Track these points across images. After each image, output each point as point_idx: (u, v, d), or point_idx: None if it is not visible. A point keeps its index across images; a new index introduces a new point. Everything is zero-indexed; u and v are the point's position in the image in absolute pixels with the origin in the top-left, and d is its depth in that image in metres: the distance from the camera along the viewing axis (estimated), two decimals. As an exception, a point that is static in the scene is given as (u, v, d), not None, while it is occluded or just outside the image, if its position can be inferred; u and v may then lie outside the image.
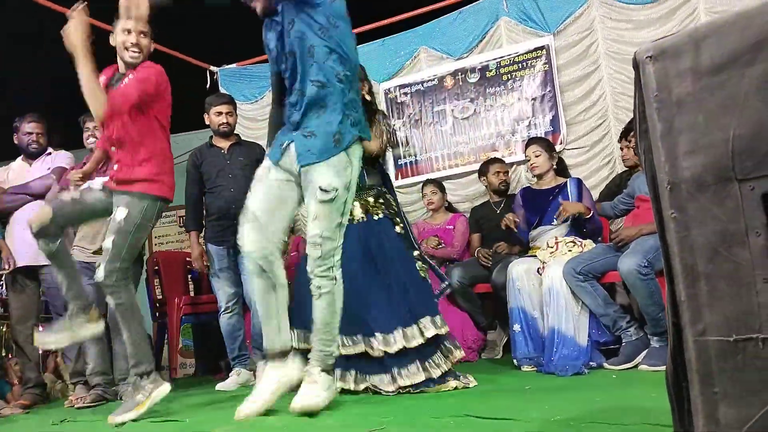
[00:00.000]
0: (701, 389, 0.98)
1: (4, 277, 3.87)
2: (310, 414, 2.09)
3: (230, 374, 3.54)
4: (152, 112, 2.65)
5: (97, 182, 2.76)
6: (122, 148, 2.64)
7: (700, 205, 0.98)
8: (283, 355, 2.27)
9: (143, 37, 2.65)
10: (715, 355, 0.97)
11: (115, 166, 2.66)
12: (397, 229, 2.84)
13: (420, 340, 2.60)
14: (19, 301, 3.59)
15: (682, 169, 1.00)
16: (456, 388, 2.57)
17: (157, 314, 4.37)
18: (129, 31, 2.62)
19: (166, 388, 2.55)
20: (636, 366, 2.71)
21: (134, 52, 2.63)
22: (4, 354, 4.21)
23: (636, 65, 1.08)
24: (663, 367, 2.49)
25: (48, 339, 2.65)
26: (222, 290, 3.56)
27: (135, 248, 2.62)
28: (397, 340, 2.60)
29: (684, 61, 1.02)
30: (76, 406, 3.28)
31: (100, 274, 2.51)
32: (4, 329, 4.28)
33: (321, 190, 2.14)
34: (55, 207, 2.58)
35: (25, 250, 3.50)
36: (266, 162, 2.32)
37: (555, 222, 3.19)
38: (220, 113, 3.70)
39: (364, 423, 2.03)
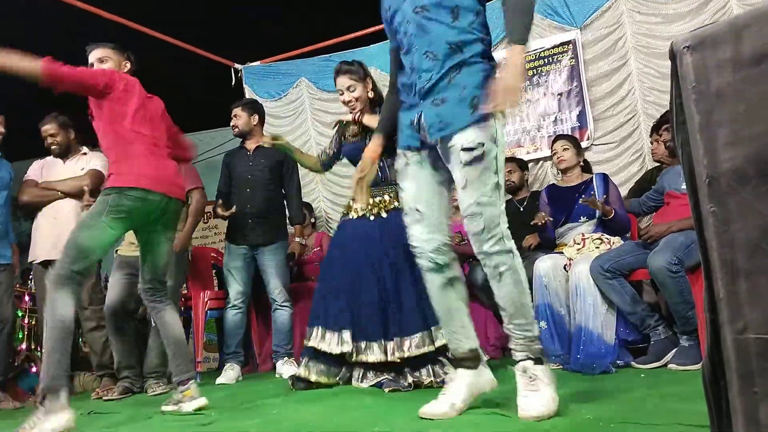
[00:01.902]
0: (741, 389, 0.95)
1: (32, 271, 3.95)
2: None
3: (224, 369, 3.67)
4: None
5: None
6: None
7: (740, 199, 0.95)
8: (474, 357, 2.02)
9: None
10: (755, 354, 0.94)
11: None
12: None
13: (432, 347, 2.65)
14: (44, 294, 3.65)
15: (722, 161, 0.97)
16: None
17: (182, 309, 4.42)
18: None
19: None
20: (665, 365, 2.66)
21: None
22: (33, 347, 4.29)
23: (673, 56, 1.05)
24: (693, 366, 2.48)
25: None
26: (233, 287, 3.69)
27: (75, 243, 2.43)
28: (412, 345, 2.66)
29: (724, 51, 0.99)
30: (103, 398, 3.33)
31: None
32: (33, 322, 4.36)
33: (463, 150, 1.86)
34: None
35: (49, 244, 3.58)
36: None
37: (581, 200, 3.13)
38: (235, 116, 3.84)
39: (385, 417, 2.03)
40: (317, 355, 2.82)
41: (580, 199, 3.17)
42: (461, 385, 1.98)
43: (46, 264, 3.58)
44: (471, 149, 1.85)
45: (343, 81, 2.93)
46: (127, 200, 2.44)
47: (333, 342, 2.76)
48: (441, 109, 1.90)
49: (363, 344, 2.73)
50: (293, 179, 3.90)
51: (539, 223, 3.24)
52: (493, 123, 1.89)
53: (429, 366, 2.68)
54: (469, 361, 2.02)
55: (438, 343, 2.66)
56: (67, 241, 2.40)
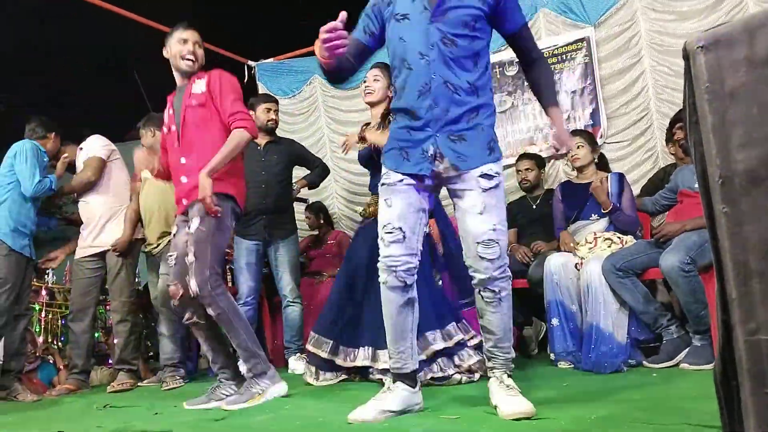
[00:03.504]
0: (753, 389, 0.95)
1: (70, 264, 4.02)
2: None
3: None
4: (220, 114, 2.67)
5: (173, 229, 2.77)
6: (191, 154, 2.64)
7: (753, 199, 0.95)
8: (414, 379, 2.09)
9: (198, 47, 2.73)
10: (767, 355, 0.94)
11: (184, 179, 2.65)
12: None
13: (439, 346, 2.69)
14: (80, 289, 3.71)
15: (735, 162, 0.97)
16: (461, 381, 2.67)
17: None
18: (185, 41, 2.70)
19: (282, 388, 2.59)
20: (677, 364, 2.65)
21: (189, 60, 2.69)
22: (50, 340, 4.35)
23: (686, 55, 1.05)
24: (705, 366, 2.47)
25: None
26: (244, 284, 3.69)
27: (219, 253, 2.59)
28: (437, 339, 2.70)
29: (738, 51, 0.98)
30: (163, 388, 3.39)
31: (193, 287, 2.50)
32: (50, 317, 4.42)
33: (483, 176, 1.95)
34: (172, 276, 2.63)
35: (89, 237, 3.65)
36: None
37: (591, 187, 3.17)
38: (268, 110, 3.83)
39: (396, 416, 2.04)
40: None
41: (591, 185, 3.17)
42: (397, 398, 2.04)
43: (92, 258, 3.69)
44: (491, 177, 1.96)
45: (374, 72, 2.97)
46: (236, 210, 2.77)
47: (356, 356, 2.89)
48: (459, 146, 1.97)
49: (377, 352, 2.78)
50: (316, 161, 4.13)
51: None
52: (502, 160, 2.05)
53: (438, 360, 2.70)
54: (410, 380, 2.08)
55: (455, 340, 2.72)
56: (201, 252, 2.51)
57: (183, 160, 2.66)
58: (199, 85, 2.66)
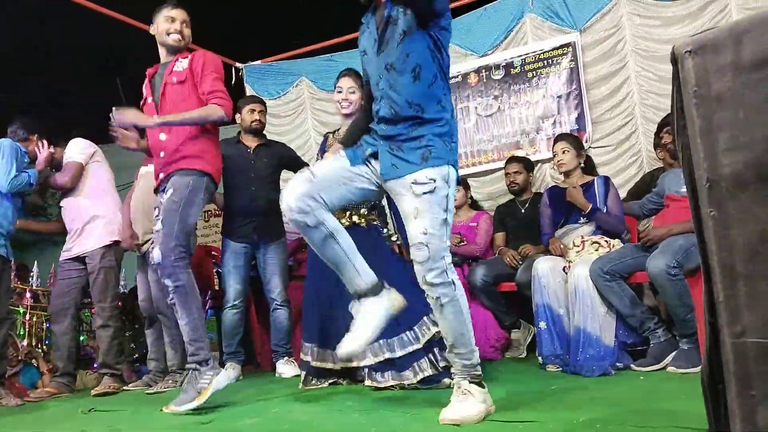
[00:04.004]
0: (738, 392, 0.96)
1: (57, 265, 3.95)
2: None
3: (224, 368, 3.64)
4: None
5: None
6: (170, 131, 2.68)
7: (739, 203, 0.96)
8: (375, 289, 2.03)
9: (186, 27, 2.77)
10: (753, 358, 0.95)
11: (162, 154, 2.69)
12: (385, 232, 3.07)
13: (417, 345, 2.69)
14: (60, 290, 3.67)
15: (722, 166, 0.98)
16: (449, 386, 2.60)
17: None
18: (173, 19, 2.75)
19: (224, 377, 2.50)
20: (664, 368, 2.67)
21: (176, 35, 2.74)
22: (34, 343, 4.29)
23: (674, 60, 1.06)
24: (692, 369, 2.49)
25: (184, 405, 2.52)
26: (232, 287, 3.66)
27: (187, 225, 2.58)
28: (398, 346, 2.69)
29: (724, 56, 1.00)
30: (146, 392, 3.36)
31: (155, 255, 2.50)
32: (34, 319, 4.36)
33: (414, 183, 1.96)
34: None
35: (71, 239, 3.63)
36: None
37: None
38: (253, 111, 3.81)
39: (384, 420, 2.03)
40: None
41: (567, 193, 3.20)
42: (369, 313, 2.00)
43: (76, 260, 3.64)
44: (423, 183, 1.96)
45: (348, 82, 2.99)
46: (209, 187, 2.77)
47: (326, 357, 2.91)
48: (396, 155, 2.01)
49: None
50: (305, 165, 4.06)
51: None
52: (447, 168, 1.99)
53: (415, 364, 2.68)
54: (371, 293, 2.03)
55: (423, 341, 2.71)
56: (169, 222, 2.53)
57: (162, 137, 2.68)
58: (182, 64, 2.71)
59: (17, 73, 5.97)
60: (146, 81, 2.82)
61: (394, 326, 2.62)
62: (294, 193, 1.96)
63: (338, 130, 3.11)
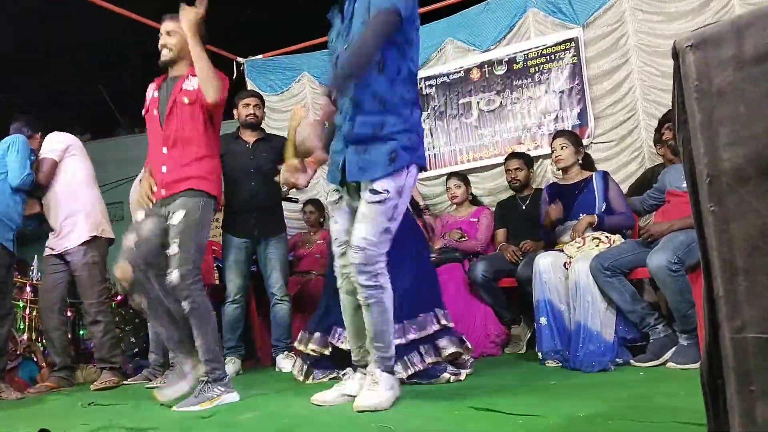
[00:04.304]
0: (738, 387, 0.96)
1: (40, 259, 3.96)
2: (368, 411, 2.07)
3: (225, 363, 3.64)
4: (211, 111, 2.67)
5: (140, 215, 2.72)
6: (174, 147, 2.64)
7: (740, 198, 0.95)
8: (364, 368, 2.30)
9: (169, 36, 2.72)
10: (753, 353, 0.94)
11: (164, 169, 2.64)
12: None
13: (425, 332, 2.72)
14: (46, 286, 3.67)
15: (722, 161, 0.97)
16: (449, 381, 2.65)
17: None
18: (161, 33, 2.72)
19: (234, 396, 2.54)
20: (664, 363, 2.66)
21: (164, 49, 2.71)
22: (34, 337, 4.30)
23: (675, 54, 1.05)
24: (692, 366, 2.49)
25: (168, 393, 2.60)
26: (233, 281, 3.67)
27: (201, 247, 2.59)
28: (406, 333, 2.69)
29: (726, 50, 0.99)
30: (146, 386, 3.36)
31: (174, 278, 2.49)
32: (34, 314, 4.37)
33: (370, 191, 2.10)
34: (129, 259, 2.58)
35: (53, 234, 3.61)
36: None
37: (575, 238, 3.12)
38: (247, 105, 3.81)
39: (384, 415, 2.03)
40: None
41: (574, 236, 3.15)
42: (356, 384, 2.27)
43: (60, 255, 3.62)
44: (377, 192, 2.09)
45: None
46: (215, 207, 2.81)
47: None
48: (363, 157, 2.10)
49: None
50: None
51: (553, 219, 3.24)
52: (405, 177, 2.11)
53: (405, 357, 2.67)
54: (365, 369, 2.28)
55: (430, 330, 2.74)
56: (185, 244, 2.53)
57: (165, 150, 2.66)
58: (192, 83, 2.66)
59: (17, 73, 5.99)
60: (153, 91, 2.76)
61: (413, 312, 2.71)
62: (347, 265, 2.21)
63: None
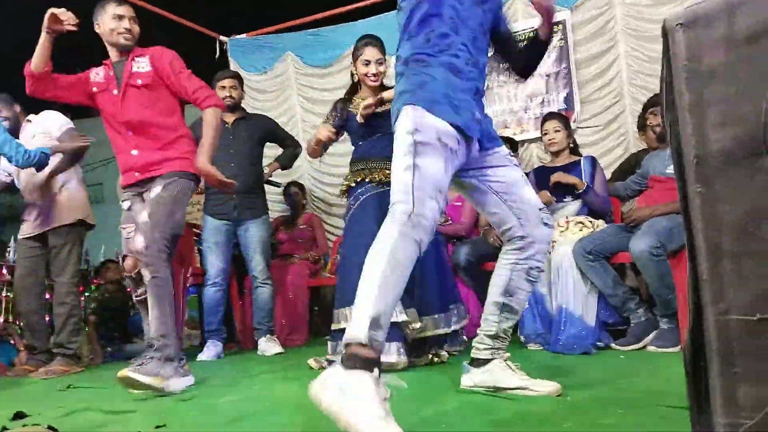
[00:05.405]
0: (721, 370, 0.95)
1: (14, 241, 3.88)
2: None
3: (206, 346, 3.61)
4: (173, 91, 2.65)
5: (126, 203, 2.68)
6: (141, 130, 2.60)
7: (728, 179, 0.94)
8: None
9: (134, 23, 2.67)
10: (737, 335, 0.94)
11: (135, 152, 2.60)
12: None
13: (447, 330, 2.71)
14: (22, 270, 3.59)
15: (711, 142, 0.96)
16: (433, 361, 2.67)
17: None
18: (121, 17, 2.64)
19: (186, 381, 2.46)
20: (644, 347, 2.69)
21: (127, 34, 2.64)
22: (11, 320, 4.23)
23: (665, 33, 1.03)
24: (672, 349, 2.51)
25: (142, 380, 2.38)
26: (214, 264, 3.63)
27: (173, 220, 2.52)
28: (428, 326, 2.68)
29: (717, 29, 0.97)
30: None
31: (138, 244, 2.45)
32: (10, 295, 4.29)
33: (509, 155, 2.15)
34: (132, 249, 2.56)
35: (31, 216, 3.52)
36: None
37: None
38: (223, 87, 3.75)
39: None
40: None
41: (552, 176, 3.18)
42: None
43: (38, 236, 3.55)
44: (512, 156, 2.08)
45: (375, 53, 2.86)
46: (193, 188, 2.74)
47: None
48: (489, 122, 2.06)
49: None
50: (288, 138, 4.04)
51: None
52: None
53: (427, 347, 2.67)
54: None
55: (454, 327, 2.74)
56: (155, 214, 2.49)
57: (130, 133, 2.62)
58: (141, 64, 2.62)
59: (17, 73, 5.86)
60: (108, 71, 2.69)
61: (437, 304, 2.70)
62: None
63: (350, 98, 2.94)
